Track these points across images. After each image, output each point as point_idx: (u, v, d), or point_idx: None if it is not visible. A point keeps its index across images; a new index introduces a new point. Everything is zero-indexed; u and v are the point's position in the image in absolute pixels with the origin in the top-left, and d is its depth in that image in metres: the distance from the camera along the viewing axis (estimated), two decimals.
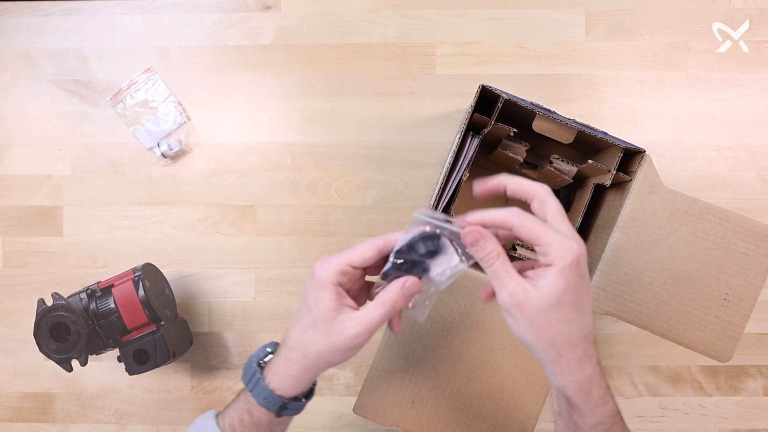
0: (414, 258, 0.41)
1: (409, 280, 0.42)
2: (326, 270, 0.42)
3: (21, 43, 0.74)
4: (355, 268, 0.42)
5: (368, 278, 0.46)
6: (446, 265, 0.42)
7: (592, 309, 0.41)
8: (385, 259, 0.42)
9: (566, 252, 0.38)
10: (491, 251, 0.40)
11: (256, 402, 0.44)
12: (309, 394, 0.47)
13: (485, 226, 0.41)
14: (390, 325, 0.45)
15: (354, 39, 0.73)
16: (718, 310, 0.56)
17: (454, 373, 0.56)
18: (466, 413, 0.56)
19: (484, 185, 0.42)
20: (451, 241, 0.42)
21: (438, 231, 0.41)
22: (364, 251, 0.42)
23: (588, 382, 0.41)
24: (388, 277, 0.42)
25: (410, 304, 0.44)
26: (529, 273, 0.40)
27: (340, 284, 0.42)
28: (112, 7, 0.74)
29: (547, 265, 0.39)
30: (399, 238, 0.42)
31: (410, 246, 0.41)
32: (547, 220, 0.40)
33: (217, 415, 0.47)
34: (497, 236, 0.42)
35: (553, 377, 0.42)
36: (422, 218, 0.42)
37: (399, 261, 0.41)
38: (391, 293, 0.41)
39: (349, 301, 0.43)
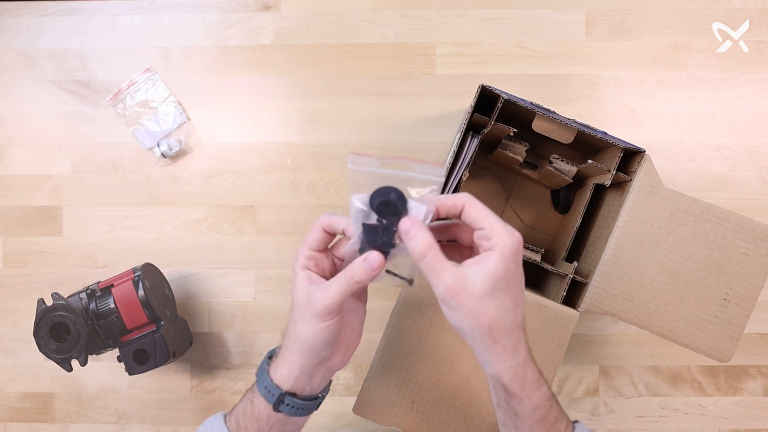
0: (381, 226, 0.41)
1: (370, 255, 0.41)
2: (294, 261, 0.44)
3: (21, 43, 0.74)
4: (314, 251, 0.44)
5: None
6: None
7: (524, 299, 0.43)
8: (334, 235, 0.44)
9: (508, 239, 0.39)
10: (423, 242, 0.39)
11: (258, 391, 0.45)
12: (312, 398, 0.46)
13: (439, 212, 0.41)
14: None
15: (354, 39, 0.73)
16: (718, 310, 0.56)
17: (454, 373, 0.56)
18: (466, 413, 0.56)
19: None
20: (407, 197, 0.41)
21: (394, 195, 0.40)
22: (314, 234, 0.44)
23: (523, 367, 0.42)
24: (363, 251, 0.42)
25: (385, 272, 0.43)
26: (468, 261, 0.40)
27: (308, 268, 0.44)
28: (112, 7, 0.74)
29: (487, 250, 0.39)
30: (343, 219, 0.43)
31: (373, 215, 0.41)
32: (481, 221, 0.40)
33: (226, 414, 0.48)
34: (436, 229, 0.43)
35: (488, 365, 0.42)
36: (359, 204, 0.41)
37: (368, 234, 0.41)
38: (353, 266, 0.42)
39: (321, 280, 0.44)
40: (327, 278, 0.44)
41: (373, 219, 0.41)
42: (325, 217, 0.44)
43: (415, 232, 0.40)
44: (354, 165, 0.41)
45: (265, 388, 0.45)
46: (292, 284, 0.44)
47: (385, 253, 0.41)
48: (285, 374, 0.44)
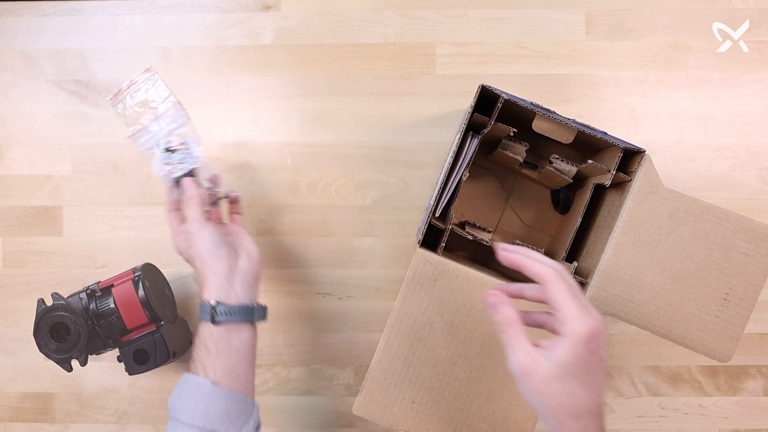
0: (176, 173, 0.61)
1: (184, 182, 0.59)
2: (170, 226, 0.61)
3: (21, 43, 0.74)
4: (175, 210, 0.61)
5: None
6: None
7: (605, 386, 0.43)
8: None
9: (582, 327, 0.40)
10: (507, 317, 0.43)
11: (199, 320, 0.54)
12: (241, 306, 0.54)
13: (521, 269, 0.43)
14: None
15: (354, 39, 0.73)
16: (718, 310, 0.56)
17: (454, 373, 0.56)
18: (466, 413, 0.56)
19: (507, 257, 0.45)
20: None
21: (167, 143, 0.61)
22: (170, 197, 0.61)
23: None
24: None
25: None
26: (544, 343, 0.42)
27: (174, 219, 0.60)
28: (112, 7, 0.74)
29: (562, 336, 0.41)
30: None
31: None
32: (557, 303, 0.42)
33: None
34: (525, 296, 0.46)
35: None
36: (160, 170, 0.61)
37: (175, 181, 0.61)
38: (183, 195, 0.59)
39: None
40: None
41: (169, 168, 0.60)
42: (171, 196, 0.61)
43: (501, 307, 0.43)
44: (133, 139, 0.62)
45: (201, 311, 0.53)
46: (174, 243, 0.60)
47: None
48: (210, 291, 0.53)
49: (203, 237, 0.56)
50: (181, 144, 0.61)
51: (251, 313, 0.55)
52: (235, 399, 0.52)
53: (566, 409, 0.41)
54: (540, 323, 0.47)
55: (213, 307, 0.52)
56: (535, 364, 0.41)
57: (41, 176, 0.74)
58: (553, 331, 0.46)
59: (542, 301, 0.46)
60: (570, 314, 0.41)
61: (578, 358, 0.40)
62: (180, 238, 0.58)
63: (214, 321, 0.52)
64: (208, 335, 0.53)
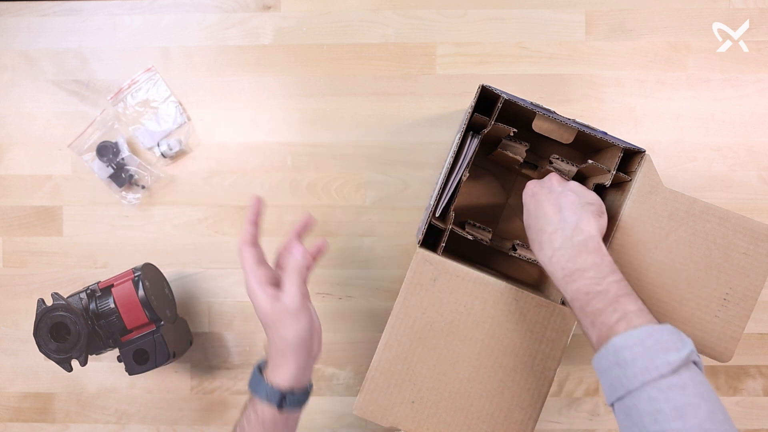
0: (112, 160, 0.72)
1: (299, 248, 0.52)
2: (249, 284, 0.51)
3: (21, 43, 0.74)
4: (260, 264, 0.52)
5: None
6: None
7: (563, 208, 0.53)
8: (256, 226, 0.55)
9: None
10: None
11: (259, 399, 0.50)
12: (307, 391, 0.52)
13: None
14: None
15: (354, 39, 0.73)
16: (718, 310, 0.56)
17: (454, 373, 0.56)
18: (466, 413, 0.56)
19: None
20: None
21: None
22: (247, 245, 0.53)
23: (550, 264, 0.52)
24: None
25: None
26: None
27: (263, 283, 0.51)
28: (112, 7, 0.74)
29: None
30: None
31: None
32: None
33: None
34: None
35: None
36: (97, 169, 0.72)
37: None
38: (295, 260, 0.52)
39: (275, 289, 0.51)
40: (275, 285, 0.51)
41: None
42: (245, 235, 0.53)
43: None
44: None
45: (266, 393, 0.50)
46: (255, 306, 0.51)
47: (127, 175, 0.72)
48: (285, 377, 0.50)
49: (302, 323, 0.49)
50: (112, 144, 0.71)
51: (308, 396, 0.53)
52: None
53: (526, 224, 0.57)
54: None
55: (284, 395, 0.50)
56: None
57: (41, 176, 0.74)
58: None
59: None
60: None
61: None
62: (266, 299, 0.50)
63: (280, 407, 0.50)
64: (270, 419, 0.50)
